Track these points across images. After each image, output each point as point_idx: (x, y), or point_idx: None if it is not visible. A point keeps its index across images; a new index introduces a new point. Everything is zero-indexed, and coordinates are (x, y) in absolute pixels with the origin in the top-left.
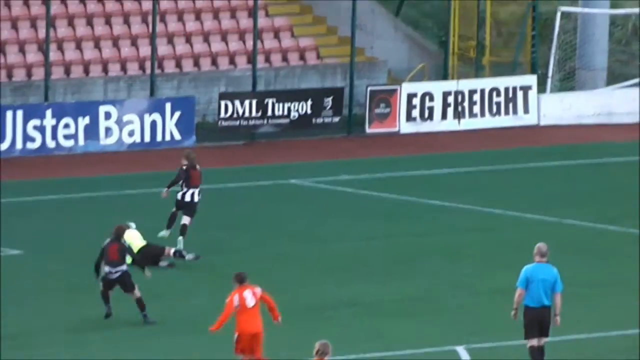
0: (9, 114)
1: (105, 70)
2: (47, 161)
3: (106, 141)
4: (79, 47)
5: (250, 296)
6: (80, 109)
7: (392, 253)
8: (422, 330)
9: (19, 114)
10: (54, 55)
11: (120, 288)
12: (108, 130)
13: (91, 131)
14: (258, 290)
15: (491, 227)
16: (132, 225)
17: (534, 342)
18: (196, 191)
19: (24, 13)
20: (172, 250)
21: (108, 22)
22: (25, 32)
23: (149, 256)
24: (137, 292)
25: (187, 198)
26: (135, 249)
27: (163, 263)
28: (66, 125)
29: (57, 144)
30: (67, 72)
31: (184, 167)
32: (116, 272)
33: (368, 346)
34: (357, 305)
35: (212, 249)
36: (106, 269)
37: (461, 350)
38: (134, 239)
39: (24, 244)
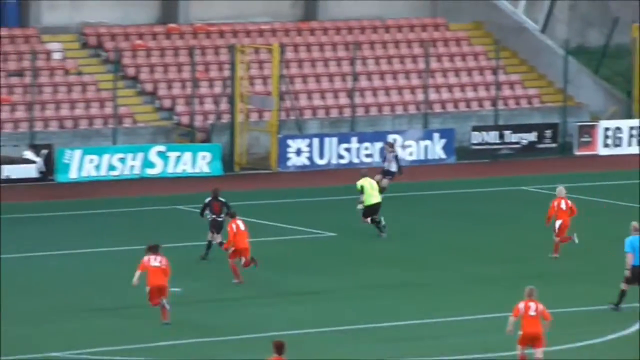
0: (326, 140)
1: (392, 110)
2: (349, 172)
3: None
4: (374, 94)
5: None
6: (376, 136)
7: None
8: None
9: (334, 140)
10: (358, 100)
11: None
12: None
13: (382, 152)
14: None
15: None
16: None
17: (626, 287)
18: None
19: (337, 70)
20: None
21: (395, 77)
22: (339, 84)
23: None
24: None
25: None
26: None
27: None
28: (366, 148)
29: (360, 160)
30: (367, 111)
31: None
32: (219, 218)
33: None
34: None
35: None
36: (213, 216)
37: None
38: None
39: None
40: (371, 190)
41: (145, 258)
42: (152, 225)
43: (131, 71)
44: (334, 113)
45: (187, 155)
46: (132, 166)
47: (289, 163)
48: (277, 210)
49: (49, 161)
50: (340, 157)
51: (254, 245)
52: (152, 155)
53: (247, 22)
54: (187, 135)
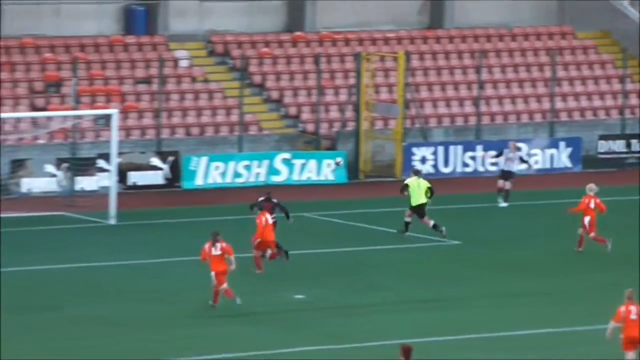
0: (451, 148)
1: (518, 118)
2: (474, 181)
3: (519, 167)
4: (500, 102)
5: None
6: (501, 145)
7: None
8: None
9: (459, 148)
10: (483, 108)
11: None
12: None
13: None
14: None
15: None
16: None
17: None
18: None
19: (462, 79)
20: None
21: (521, 86)
22: (464, 92)
23: None
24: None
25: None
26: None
27: None
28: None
29: (485, 169)
30: (492, 119)
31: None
32: (273, 218)
33: None
34: None
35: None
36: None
37: None
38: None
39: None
40: (418, 190)
41: (206, 246)
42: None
43: (257, 79)
44: (459, 121)
45: (312, 163)
46: (258, 173)
47: None
48: (402, 218)
49: (175, 168)
50: (465, 165)
51: (384, 254)
52: (278, 162)
53: (373, 30)
54: (312, 143)
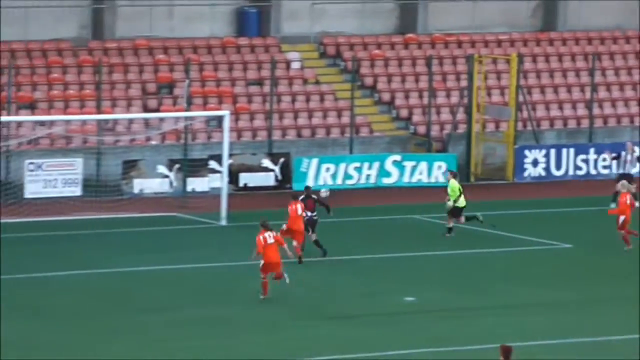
0: (564, 151)
1: (631, 121)
2: (586, 184)
3: (636, 169)
4: (613, 105)
5: None
6: (614, 148)
7: None
8: None
9: (571, 151)
10: (596, 111)
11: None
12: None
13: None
14: None
15: None
16: None
17: None
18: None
19: (575, 81)
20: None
21: (635, 89)
22: (577, 95)
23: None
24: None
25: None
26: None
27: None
28: (604, 159)
29: (598, 172)
30: (605, 122)
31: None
32: (315, 216)
33: None
34: None
35: None
36: (308, 213)
37: None
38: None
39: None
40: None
41: (261, 237)
42: (387, 234)
43: (369, 81)
44: (572, 124)
45: (423, 165)
46: (368, 175)
47: (525, 174)
48: (513, 221)
49: (285, 170)
50: (578, 168)
51: (494, 257)
52: (388, 164)
53: (485, 32)
54: (423, 145)
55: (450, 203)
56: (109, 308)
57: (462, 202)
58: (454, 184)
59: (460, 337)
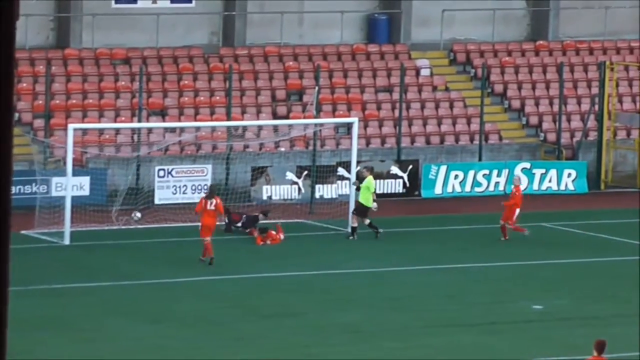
0: None
1: None
2: None
3: None
4: None
5: None
6: None
7: None
8: None
9: None
10: None
11: None
12: None
13: None
14: None
15: None
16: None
17: None
18: None
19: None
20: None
21: None
22: None
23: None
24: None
25: None
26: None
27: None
28: None
29: None
30: None
31: None
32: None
33: None
34: None
35: None
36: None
37: None
38: None
39: None
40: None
41: (203, 201)
42: (516, 242)
43: (498, 88)
44: None
45: (553, 173)
46: (497, 183)
47: None
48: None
49: (414, 177)
50: None
51: (625, 265)
52: (517, 172)
53: (617, 39)
54: (553, 153)
55: (375, 205)
56: (236, 313)
57: (371, 202)
58: (371, 181)
59: (589, 346)
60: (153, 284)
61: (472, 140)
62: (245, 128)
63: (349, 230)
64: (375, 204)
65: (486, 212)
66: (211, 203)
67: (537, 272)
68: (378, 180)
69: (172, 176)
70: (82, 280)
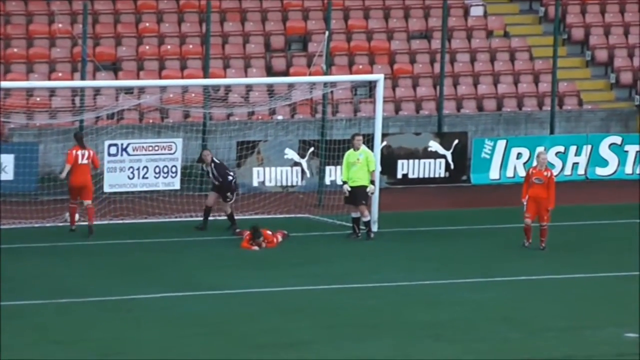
0: None
1: None
2: None
3: None
4: None
5: None
6: None
7: None
8: None
9: None
10: None
11: None
12: None
13: None
14: None
15: None
16: None
17: None
18: None
19: None
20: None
21: None
22: None
23: None
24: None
25: None
26: None
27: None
28: None
29: None
30: None
31: None
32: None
33: None
34: None
35: None
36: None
37: None
38: None
39: None
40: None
41: (74, 152)
42: (602, 246)
43: (578, 33)
44: None
45: None
46: (576, 164)
47: None
48: None
49: (461, 156)
50: None
51: None
52: (604, 149)
53: None
54: None
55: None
56: (217, 343)
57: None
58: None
59: None
60: (102, 302)
61: (540, 105)
62: (228, 88)
63: (363, 227)
64: (372, 186)
65: (560, 204)
66: (83, 155)
67: (630, 287)
68: (411, 161)
69: (128, 154)
70: (4, 298)
